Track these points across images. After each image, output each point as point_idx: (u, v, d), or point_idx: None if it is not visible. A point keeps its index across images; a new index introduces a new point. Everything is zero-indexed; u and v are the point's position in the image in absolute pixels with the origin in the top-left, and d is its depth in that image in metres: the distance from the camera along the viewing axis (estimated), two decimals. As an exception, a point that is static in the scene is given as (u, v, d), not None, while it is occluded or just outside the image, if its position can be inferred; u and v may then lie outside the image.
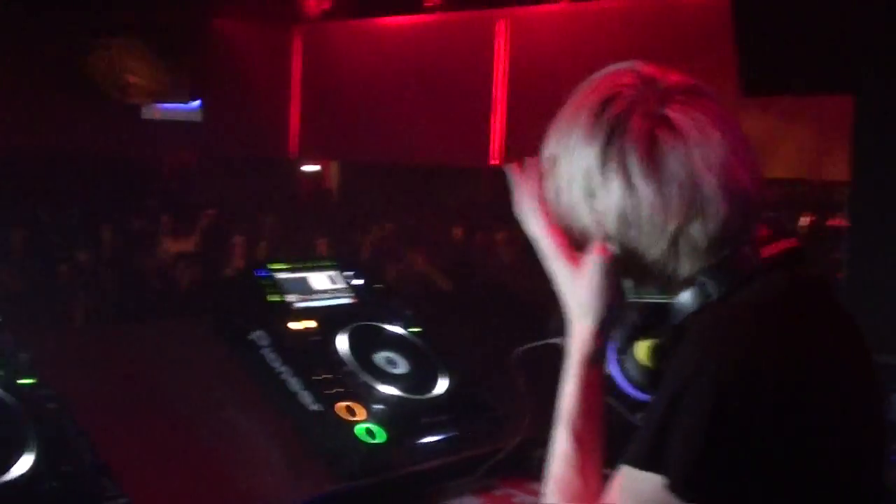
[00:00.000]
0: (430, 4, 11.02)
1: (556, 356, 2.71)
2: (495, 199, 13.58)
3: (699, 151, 1.38)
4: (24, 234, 9.00)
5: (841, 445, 1.37)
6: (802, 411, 1.31)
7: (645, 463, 1.31)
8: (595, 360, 1.52)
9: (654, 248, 1.42)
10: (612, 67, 1.49)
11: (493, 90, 10.42)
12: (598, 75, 1.50)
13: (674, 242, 1.40)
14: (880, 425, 1.51)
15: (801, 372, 1.33)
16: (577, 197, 1.45)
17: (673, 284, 1.45)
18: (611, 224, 1.42)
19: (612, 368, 1.87)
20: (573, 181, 1.45)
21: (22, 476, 1.64)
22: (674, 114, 1.40)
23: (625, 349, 1.82)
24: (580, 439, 1.48)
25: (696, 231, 1.39)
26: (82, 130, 10.19)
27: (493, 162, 10.73)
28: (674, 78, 1.44)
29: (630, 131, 1.40)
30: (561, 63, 9.63)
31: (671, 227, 1.39)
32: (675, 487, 1.27)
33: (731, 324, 1.36)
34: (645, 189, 1.39)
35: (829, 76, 3.84)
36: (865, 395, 1.46)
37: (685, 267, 1.43)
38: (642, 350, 1.58)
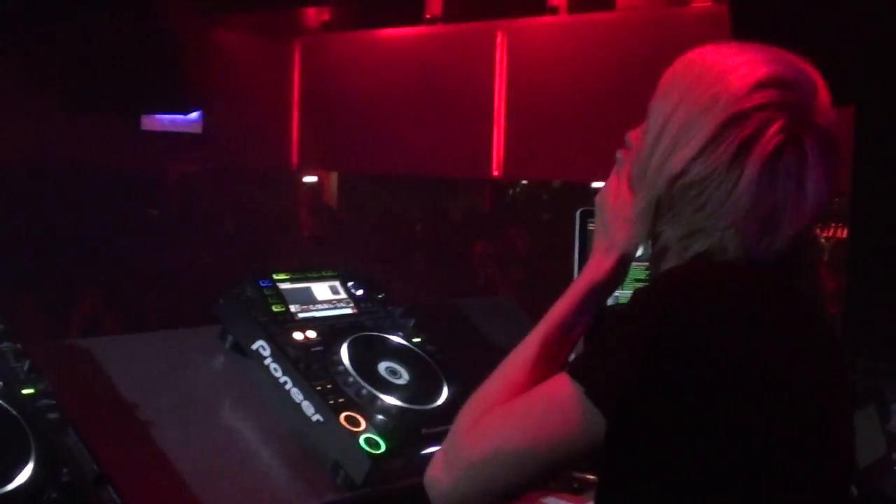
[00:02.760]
0: (430, 16, 11.04)
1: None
2: (497, 211, 13.60)
3: (801, 195, 1.41)
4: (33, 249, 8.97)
5: (773, 412, 1.35)
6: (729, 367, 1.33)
7: (575, 372, 1.41)
8: (600, 291, 1.62)
9: (699, 221, 1.45)
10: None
11: (495, 102, 10.43)
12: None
13: (724, 228, 1.43)
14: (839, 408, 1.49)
15: (736, 330, 1.34)
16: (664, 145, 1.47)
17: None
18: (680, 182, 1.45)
19: None
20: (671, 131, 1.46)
21: (22, 486, 1.63)
22: (809, 140, 1.41)
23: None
24: (549, 355, 1.57)
25: (739, 238, 1.43)
26: (81, 142, 10.17)
27: (495, 174, 10.73)
28: (823, 100, 1.45)
29: (765, 136, 1.40)
30: (558, 74, 9.64)
31: (727, 219, 1.42)
32: (589, 394, 1.37)
33: (674, 276, 1.45)
34: (748, 173, 1.40)
35: (829, 88, 3.82)
36: (817, 372, 1.45)
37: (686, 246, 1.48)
38: None
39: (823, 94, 1.45)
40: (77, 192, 10.29)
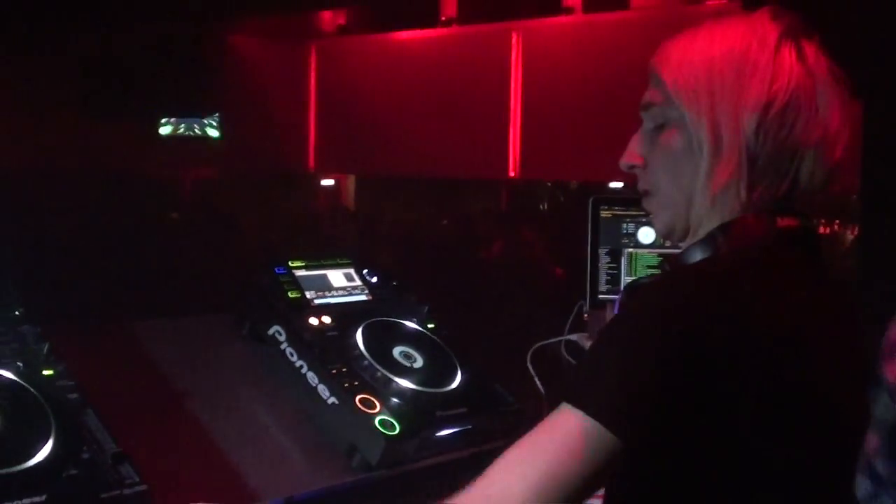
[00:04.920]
0: (445, 18, 11.07)
1: (570, 352, 2.73)
2: (513, 210, 13.60)
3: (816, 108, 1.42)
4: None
5: (793, 406, 1.32)
6: (736, 367, 1.26)
7: (573, 396, 1.27)
8: None
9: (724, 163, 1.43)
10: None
11: (511, 102, 10.44)
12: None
13: (753, 161, 1.42)
14: (857, 397, 1.49)
15: (746, 330, 1.28)
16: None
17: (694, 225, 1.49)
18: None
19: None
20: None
21: (42, 462, 1.66)
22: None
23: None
24: None
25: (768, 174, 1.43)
26: (99, 148, 10.23)
27: (511, 174, 10.73)
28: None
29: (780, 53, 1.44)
30: (574, 74, 9.65)
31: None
32: (596, 416, 1.23)
33: (679, 276, 1.40)
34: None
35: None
36: (840, 369, 1.43)
37: (717, 208, 1.45)
38: None
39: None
40: (96, 197, 10.35)
